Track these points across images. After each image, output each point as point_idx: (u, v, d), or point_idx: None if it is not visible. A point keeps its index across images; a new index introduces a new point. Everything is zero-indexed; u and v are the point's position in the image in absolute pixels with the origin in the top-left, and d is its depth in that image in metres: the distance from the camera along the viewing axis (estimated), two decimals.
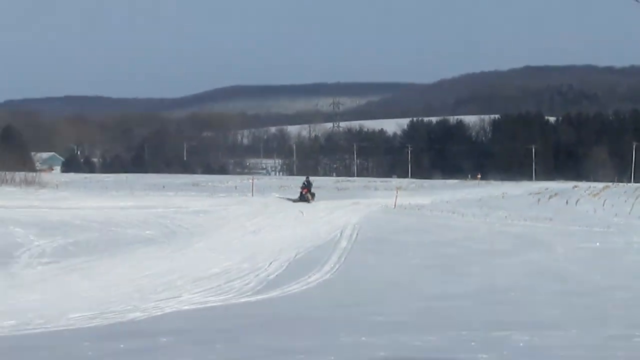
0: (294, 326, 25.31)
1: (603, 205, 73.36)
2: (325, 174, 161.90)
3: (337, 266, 40.74)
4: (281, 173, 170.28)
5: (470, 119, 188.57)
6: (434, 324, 25.15)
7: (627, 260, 45.73)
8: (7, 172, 78.72)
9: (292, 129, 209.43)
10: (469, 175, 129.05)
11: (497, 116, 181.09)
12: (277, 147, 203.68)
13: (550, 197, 79.43)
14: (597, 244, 51.41)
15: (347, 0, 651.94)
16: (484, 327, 24.12)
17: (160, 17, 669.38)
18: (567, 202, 75.11)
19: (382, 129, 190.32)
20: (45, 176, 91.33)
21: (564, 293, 34.78)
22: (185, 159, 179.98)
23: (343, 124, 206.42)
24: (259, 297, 32.40)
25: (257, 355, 19.04)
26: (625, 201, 76.87)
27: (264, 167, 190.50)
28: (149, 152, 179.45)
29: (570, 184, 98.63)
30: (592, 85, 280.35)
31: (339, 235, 50.98)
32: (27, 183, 76.75)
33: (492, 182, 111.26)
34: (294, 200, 64.97)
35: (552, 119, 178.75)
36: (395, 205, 66.45)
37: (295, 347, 20.20)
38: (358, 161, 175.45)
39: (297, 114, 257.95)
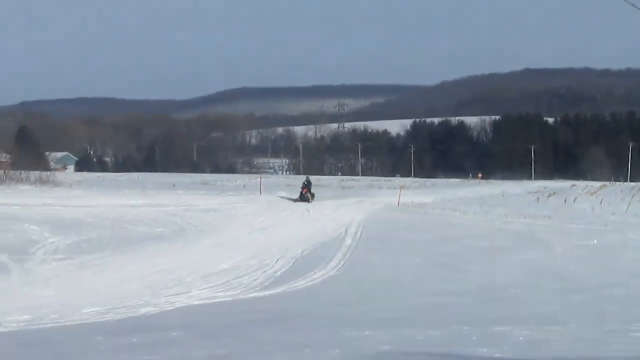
0: (300, 321, 25.30)
1: (600, 203, 73.27)
2: (331, 173, 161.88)
3: (342, 263, 40.72)
4: (288, 172, 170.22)
5: (471, 120, 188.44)
6: (436, 319, 25.13)
7: (624, 257, 45.66)
8: (22, 171, 78.81)
9: (299, 130, 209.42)
10: (470, 175, 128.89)
11: (497, 117, 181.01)
12: (284, 147, 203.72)
13: (549, 195, 79.36)
14: (595, 241, 51.34)
15: (353, 5, 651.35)
16: (485, 322, 24.09)
17: (171, 22, 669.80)
18: (565, 201, 75.02)
19: (385, 129, 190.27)
20: (59, 175, 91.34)
21: (562, 289, 34.72)
22: (194, 158, 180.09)
23: (348, 125, 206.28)
24: (266, 292, 32.39)
25: (264, 349, 19.04)
26: (622, 200, 76.78)
27: (272, 166, 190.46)
28: (159, 152, 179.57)
29: (568, 183, 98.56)
30: (589, 87, 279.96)
31: (343, 232, 50.97)
32: (42, 182, 76.80)
33: (493, 181, 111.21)
34: (295, 200, 64.74)
35: (550, 120, 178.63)
36: (398, 204, 66.43)
37: (301, 341, 20.19)
38: (362, 161, 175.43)
39: (303, 115, 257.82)
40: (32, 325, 24.21)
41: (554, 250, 47.76)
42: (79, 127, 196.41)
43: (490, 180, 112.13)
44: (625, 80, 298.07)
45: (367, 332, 21.66)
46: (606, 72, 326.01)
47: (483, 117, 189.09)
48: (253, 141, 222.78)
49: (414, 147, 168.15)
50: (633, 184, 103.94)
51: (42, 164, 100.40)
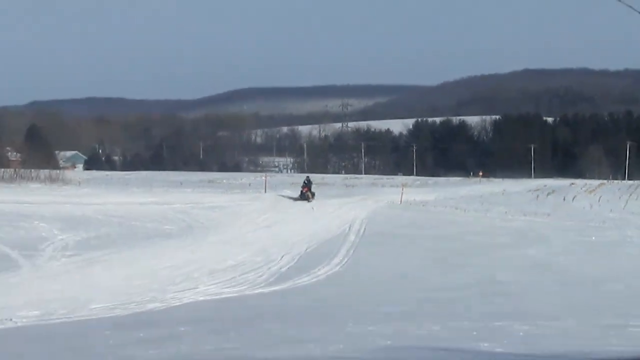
0: (305, 316, 25.29)
1: (598, 201, 73.22)
2: (335, 171, 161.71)
3: (345, 259, 40.70)
4: (293, 171, 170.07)
5: (472, 120, 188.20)
6: (438, 314, 25.11)
7: (622, 253, 45.62)
8: (32, 170, 78.81)
9: (303, 129, 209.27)
10: (471, 173, 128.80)
11: (497, 117, 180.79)
12: (289, 146, 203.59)
13: (548, 193, 79.31)
14: (593, 238, 51.31)
15: (356, 7, 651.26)
16: (485, 317, 24.07)
17: (179, 24, 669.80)
18: (564, 199, 74.95)
19: (388, 128, 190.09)
20: (68, 173, 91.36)
21: (561, 285, 34.70)
22: (201, 157, 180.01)
23: (351, 124, 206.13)
24: (272, 288, 32.38)
25: (270, 344, 19.04)
26: (620, 197, 76.73)
27: (277, 165, 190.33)
28: (167, 151, 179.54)
29: (567, 181, 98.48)
30: (588, 87, 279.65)
31: (347, 229, 50.94)
32: (52, 180, 76.82)
33: (493, 179, 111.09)
34: (295, 199, 64.34)
35: (550, 119, 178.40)
36: (401, 202, 66.40)
37: (305, 336, 20.19)
38: (365, 159, 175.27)
39: (307, 114, 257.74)
40: (41, 320, 24.22)
41: (553, 246, 47.73)
42: (88, 126, 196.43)
43: (490, 179, 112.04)
44: (623, 81, 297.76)
45: (370, 327, 21.65)
46: (604, 73, 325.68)
47: (484, 116, 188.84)
48: (258, 140, 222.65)
49: (416, 146, 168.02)
50: (631, 182, 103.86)
51: (51, 163, 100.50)
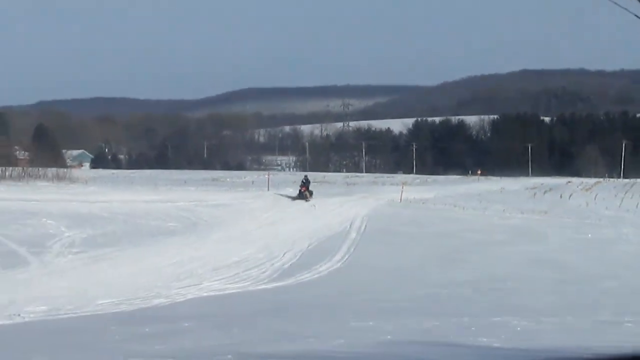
0: (307, 312, 25.32)
1: (595, 199, 73.19)
2: (336, 170, 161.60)
3: (346, 256, 40.72)
4: (295, 169, 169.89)
5: (471, 119, 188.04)
6: (437, 310, 25.14)
7: (617, 250, 45.65)
8: (40, 168, 78.79)
9: (305, 128, 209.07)
10: (470, 172, 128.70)
11: (496, 116, 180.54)
12: (291, 145, 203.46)
13: (545, 191, 79.25)
14: (589, 235, 51.33)
15: (357, 9, 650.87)
16: (484, 312, 24.10)
17: (182, 25, 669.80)
18: (561, 197, 74.94)
19: (388, 128, 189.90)
20: (75, 172, 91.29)
21: (558, 281, 34.72)
22: (205, 156, 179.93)
23: (352, 124, 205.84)
24: (274, 284, 32.41)
25: (272, 339, 19.06)
26: (616, 195, 76.68)
27: (279, 163, 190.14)
28: (171, 150, 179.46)
29: (564, 180, 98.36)
30: (584, 87, 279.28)
31: (348, 227, 50.94)
32: (59, 178, 76.82)
33: (491, 177, 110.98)
34: (293, 198, 63.67)
35: (547, 119, 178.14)
36: (401, 199, 66.38)
37: (307, 331, 20.21)
38: (366, 158, 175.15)
39: (309, 114, 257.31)
40: (49, 315, 24.26)
41: (550, 243, 47.75)
42: (95, 125, 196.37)
43: (489, 177, 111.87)
44: (619, 81, 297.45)
45: (371, 323, 21.67)
46: (601, 73, 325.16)
47: (482, 116, 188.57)
48: (261, 139, 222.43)
49: (415, 145, 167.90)
50: (626, 180, 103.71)
51: (59, 161, 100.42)
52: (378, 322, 21.75)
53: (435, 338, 18.69)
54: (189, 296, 28.94)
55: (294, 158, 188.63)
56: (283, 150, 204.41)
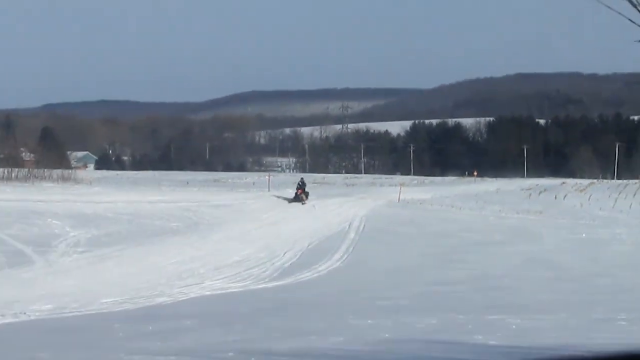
0: (307, 310, 25.29)
1: (589, 200, 73.16)
2: (335, 171, 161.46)
3: (346, 256, 40.70)
4: (295, 170, 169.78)
5: (467, 121, 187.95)
6: (434, 308, 25.10)
7: (611, 249, 45.62)
8: (45, 170, 78.70)
9: (305, 130, 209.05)
10: (466, 173, 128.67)
11: (492, 119, 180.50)
12: (291, 147, 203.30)
13: (540, 192, 79.21)
14: (584, 235, 51.30)
15: (356, 14, 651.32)
16: (480, 310, 24.06)
17: (186, 30, 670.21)
18: (555, 197, 74.89)
19: (386, 130, 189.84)
20: (80, 173, 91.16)
21: (553, 280, 34.70)
22: (207, 157, 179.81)
23: (351, 126, 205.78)
24: (275, 283, 32.40)
25: (273, 336, 19.02)
26: (609, 196, 76.64)
27: (280, 164, 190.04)
28: (174, 151, 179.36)
29: (558, 181, 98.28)
30: (578, 90, 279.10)
31: (347, 227, 50.90)
32: (64, 179, 76.74)
33: (487, 178, 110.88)
34: (289, 201, 62.87)
35: (542, 121, 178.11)
36: (399, 200, 66.34)
37: (307, 328, 20.17)
38: (365, 160, 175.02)
39: (309, 116, 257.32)
40: (54, 313, 24.23)
41: (545, 243, 47.72)
42: (99, 127, 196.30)
43: (484, 178, 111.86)
44: (612, 84, 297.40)
45: (370, 320, 21.64)
46: (594, 76, 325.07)
47: (478, 118, 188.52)
48: (262, 141, 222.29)
49: (413, 147, 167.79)
50: (620, 181, 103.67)
51: (64, 163, 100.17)
52: (377, 320, 21.72)
53: (433, 335, 18.66)
54: (192, 295, 28.92)
55: (294, 159, 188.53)
56: (283, 152, 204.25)
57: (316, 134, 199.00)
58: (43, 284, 30.27)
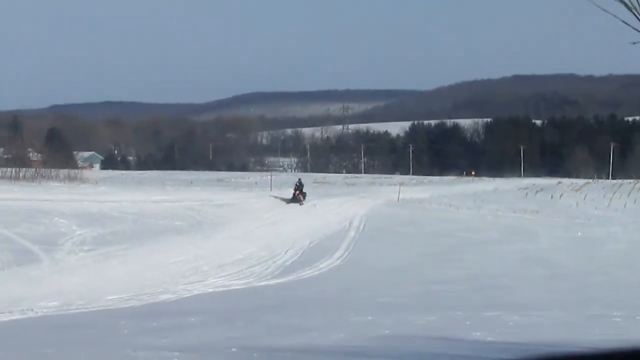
0: (308, 307, 25.29)
1: (584, 199, 73.13)
2: (336, 171, 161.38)
3: (346, 254, 40.69)
4: (296, 170, 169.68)
5: (465, 122, 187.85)
6: (433, 305, 25.10)
7: (606, 248, 45.60)
8: (52, 169, 78.75)
9: (306, 131, 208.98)
10: (465, 173, 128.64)
11: (489, 120, 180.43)
12: (293, 147, 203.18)
13: (537, 192, 79.16)
14: (579, 233, 51.28)
15: (356, 18, 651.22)
16: (477, 308, 24.06)
17: (189, 33, 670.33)
18: (552, 197, 74.86)
19: (386, 131, 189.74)
20: (86, 173, 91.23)
21: (549, 277, 34.70)
22: (210, 157, 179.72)
23: (352, 127, 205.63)
24: (277, 281, 32.40)
25: (275, 333, 19.03)
26: (604, 196, 76.59)
27: (281, 164, 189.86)
28: (178, 152, 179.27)
29: (554, 180, 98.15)
30: (574, 92, 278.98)
31: (348, 226, 50.87)
32: (70, 179, 76.78)
33: (485, 178, 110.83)
34: (287, 201, 61.40)
35: (538, 122, 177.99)
36: (398, 199, 66.32)
37: (308, 325, 20.18)
38: (365, 160, 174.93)
39: (310, 117, 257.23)
40: (60, 310, 24.24)
41: (541, 242, 47.70)
42: (105, 128, 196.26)
43: (482, 178, 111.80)
44: (607, 85, 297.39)
45: (370, 317, 21.65)
46: (590, 78, 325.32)
47: (476, 119, 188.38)
48: (264, 141, 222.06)
49: (412, 147, 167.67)
50: (614, 181, 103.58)
51: (70, 163, 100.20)
52: (377, 317, 21.73)
53: (432, 332, 18.67)
54: (195, 292, 28.93)
55: (296, 159, 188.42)
56: (285, 152, 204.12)
57: (317, 134, 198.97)
58: (50, 282, 30.28)
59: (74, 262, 35.99)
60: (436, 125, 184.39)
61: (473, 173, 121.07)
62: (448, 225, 53.36)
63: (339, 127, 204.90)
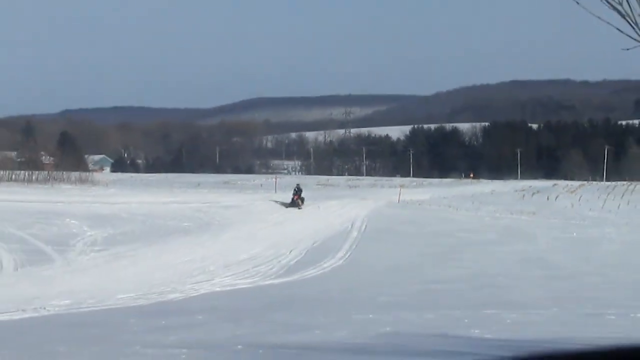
0: (311, 305, 25.27)
1: (579, 201, 73.11)
2: (338, 173, 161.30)
3: (348, 254, 40.67)
4: (300, 173, 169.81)
5: (464, 126, 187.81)
6: (432, 304, 25.07)
7: (601, 249, 45.56)
8: (64, 172, 78.94)
9: (310, 135, 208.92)
10: (463, 175, 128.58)
11: (487, 124, 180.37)
12: (297, 151, 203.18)
13: (533, 194, 79.14)
14: (574, 234, 51.22)
15: (358, 25, 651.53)
16: (476, 306, 24.03)
17: (197, 40, 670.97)
18: (547, 198, 74.83)
19: (387, 134, 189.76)
20: (96, 175, 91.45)
21: (545, 277, 34.64)
22: (217, 160, 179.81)
23: (354, 130, 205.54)
24: (281, 280, 32.38)
25: (280, 330, 19.03)
26: (599, 197, 76.57)
27: (286, 167, 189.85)
28: (185, 155, 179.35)
29: (550, 183, 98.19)
30: (569, 97, 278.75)
31: (350, 226, 50.84)
32: (81, 181, 76.94)
33: (483, 180, 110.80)
34: (287, 206, 60.23)
35: (535, 126, 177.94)
36: (399, 201, 66.30)
37: (312, 323, 20.17)
38: (367, 162, 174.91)
39: (314, 121, 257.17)
40: (72, 308, 24.24)
41: (538, 242, 47.65)
42: (115, 132, 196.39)
43: (480, 180, 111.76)
44: (602, 90, 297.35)
45: (371, 315, 21.63)
46: (585, 84, 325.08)
47: (474, 123, 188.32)
48: (269, 145, 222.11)
49: (412, 151, 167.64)
50: (609, 183, 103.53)
51: (81, 166, 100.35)
52: (378, 315, 21.71)
53: (432, 330, 18.65)
54: (202, 291, 28.91)
55: (300, 162, 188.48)
56: (289, 155, 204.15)
57: (320, 138, 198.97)
58: (62, 281, 30.29)
59: (85, 262, 36.00)
60: (436, 129, 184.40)
61: (472, 175, 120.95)
62: (447, 225, 53.33)
63: (342, 131, 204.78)
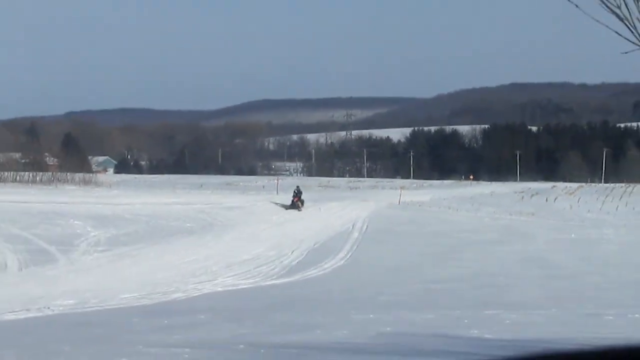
0: (313, 305, 25.25)
1: (578, 202, 73.10)
2: (340, 175, 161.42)
3: (349, 254, 40.65)
4: (302, 174, 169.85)
5: (463, 129, 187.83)
6: (432, 304, 25.05)
7: (599, 249, 45.53)
8: (68, 173, 79.03)
9: (311, 137, 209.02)
10: (463, 177, 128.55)
11: (487, 126, 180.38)
12: (299, 152, 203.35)
13: (532, 195, 79.14)
14: (573, 235, 51.20)
15: (360, 28, 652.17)
16: (475, 306, 24.00)
17: (200, 43, 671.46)
18: (546, 200, 74.83)
19: (388, 136, 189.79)
20: (100, 177, 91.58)
21: (545, 277, 34.60)
22: (220, 162, 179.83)
23: (355, 133, 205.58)
24: (283, 280, 32.35)
25: (281, 330, 19.01)
26: (597, 199, 76.57)
27: (288, 169, 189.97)
28: (189, 157, 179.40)
29: (549, 184, 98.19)
30: (568, 99, 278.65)
31: (351, 227, 50.84)
32: (85, 182, 77.00)
33: (483, 182, 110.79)
34: (286, 208, 60.21)
35: (534, 128, 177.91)
36: (399, 202, 66.31)
37: (313, 323, 20.15)
38: (367, 164, 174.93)
39: (315, 123, 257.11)
40: (76, 308, 24.22)
41: (537, 243, 47.63)
42: (118, 134, 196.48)
43: (480, 182, 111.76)
44: (600, 93, 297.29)
45: (371, 315, 21.61)
46: (583, 86, 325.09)
47: (474, 125, 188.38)
48: (271, 147, 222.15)
49: (413, 152, 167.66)
50: (607, 185, 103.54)
51: (85, 167, 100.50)
52: (379, 314, 21.69)
53: (431, 330, 18.63)
54: (205, 291, 28.90)
55: (301, 164, 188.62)
56: (291, 157, 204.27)
57: (322, 140, 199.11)
58: (66, 281, 30.27)
59: (88, 262, 35.99)
60: (436, 131, 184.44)
61: (471, 177, 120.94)
62: (447, 226, 53.33)
63: (343, 133, 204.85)
